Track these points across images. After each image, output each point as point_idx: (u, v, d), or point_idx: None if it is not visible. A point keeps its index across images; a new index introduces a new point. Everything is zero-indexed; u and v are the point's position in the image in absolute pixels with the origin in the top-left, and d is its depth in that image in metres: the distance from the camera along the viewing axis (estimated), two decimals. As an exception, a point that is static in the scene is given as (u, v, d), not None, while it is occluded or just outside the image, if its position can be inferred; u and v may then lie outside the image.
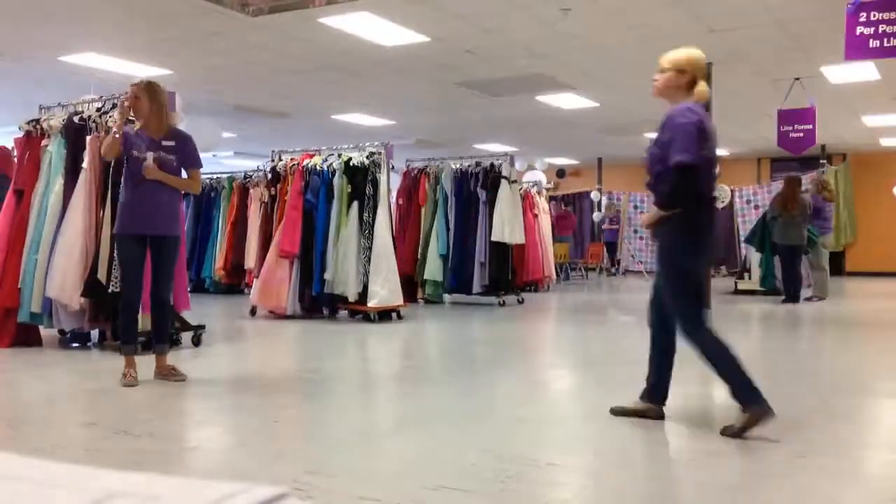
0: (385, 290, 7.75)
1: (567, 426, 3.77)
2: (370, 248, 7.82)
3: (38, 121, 6.36)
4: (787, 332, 7.43)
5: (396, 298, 7.90)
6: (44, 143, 6.21)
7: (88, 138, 5.95)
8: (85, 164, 5.86)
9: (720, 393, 4.73)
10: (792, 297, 10.09)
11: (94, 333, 6.30)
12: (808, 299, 10.37)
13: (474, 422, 3.73)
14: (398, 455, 3.21)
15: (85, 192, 5.84)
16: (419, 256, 9.72)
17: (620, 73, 9.83)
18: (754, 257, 11.93)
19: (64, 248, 5.77)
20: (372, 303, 7.71)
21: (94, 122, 6.07)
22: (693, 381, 5.04)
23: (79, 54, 8.64)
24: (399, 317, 8.04)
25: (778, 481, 2.76)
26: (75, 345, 6.21)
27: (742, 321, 8.44)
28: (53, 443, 3.35)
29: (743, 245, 13.64)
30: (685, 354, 3.62)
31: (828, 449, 3.20)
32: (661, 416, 3.65)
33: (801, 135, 10.22)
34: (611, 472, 2.93)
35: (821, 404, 4.09)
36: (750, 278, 11.99)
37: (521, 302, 10.13)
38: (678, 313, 3.52)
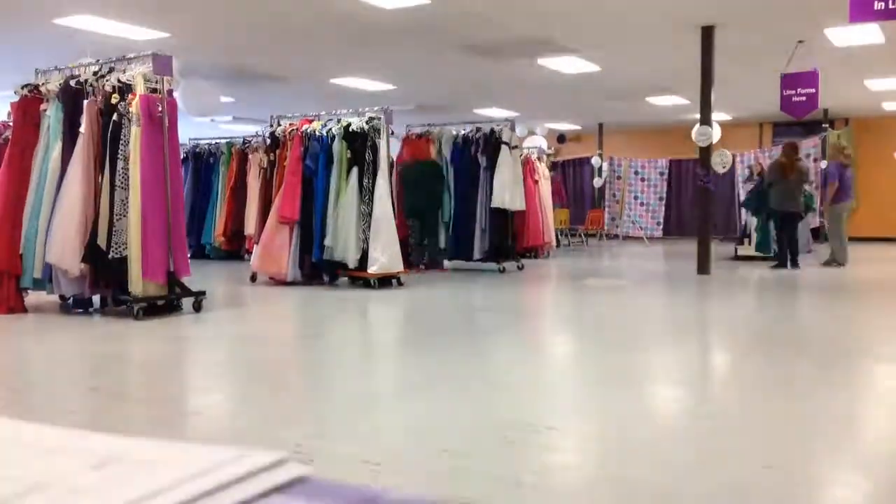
0: (385, 256, 7.75)
1: (567, 391, 3.79)
2: (370, 215, 7.80)
3: (34, 85, 6.30)
4: (786, 298, 7.44)
5: (396, 265, 7.89)
6: (42, 107, 6.17)
7: (85, 102, 5.90)
8: (83, 129, 5.82)
9: (719, 360, 4.76)
10: (793, 262, 10.10)
11: (96, 299, 6.32)
12: (827, 264, 10.51)
13: (474, 387, 3.75)
14: (399, 420, 3.23)
15: (83, 158, 5.82)
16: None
17: (622, 36, 9.72)
18: (754, 223, 11.93)
19: (63, 214, 5.76)
20: (372, 269, 7.71)
21: (90, 85, 6.02)
22: (692, 350, 5.07)
23: (74, 17, 8.53)
24: (399, 283, 8.05)
25: (776, 445, 2.78)
26: (77, 311, 6.23)
27: (742, 286, 8.46)
28: (55, 408, 3.37)
29: (743, 210, 13.62)
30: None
31: (826, 413, 3.22)
32: None
33: (804, 98, 10.13)
34: (611, 437, 2.96)
35: (819, 369, 4.11)
36: (750, 244, 11.99)
37: (520, 268, 10.13)
38: None
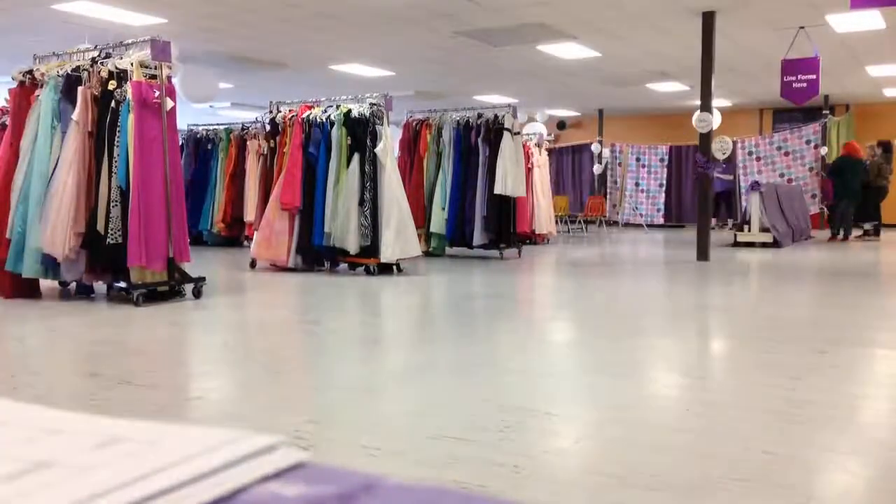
0: (399, 242, 7.71)
1: (566, 377, 3.80)
2: (373, 201, 7.79)
3: (31, 71, 6.28)
4: (785, 283, 7.45)
5: (412, 249, 7.87)
6: (37, 92, 6.14)
7: (80, 89, 5.86)
8: (74, 116, 5.78)
9: (718, 346, 4.76)
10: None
11: (98, 285, 6.32)
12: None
13: (474, 373, 3.76)
14: (399, 405, 3.24)
15: (74, 145, 5.77)
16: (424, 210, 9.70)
17: (622, 22, 9.68)
18: (754, 209, 11.92)
19: (54, 201, 5.73)
20: (385, 254, 7.68)
21: (84, 70, 5.99)
22: (690, 336, 5.08)
23: (72, 2, 8.49)
24: (399, 269, 8.05)
25: (774, 430, 2.80)
26: (80, 296, 6.24)
27: (741, 272, 8.46)
28: (55, 392, 3.38)
29: (744, 197, 13.62)
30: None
31: (824, 399, 3.23)
32: None
33: (805, 85, 10.10)
34: (609, 423, 2.97)
35: (818, 355, 4.12)
36: (749, 230, 12.00)
37: (519, 255, 10.15)
38: None
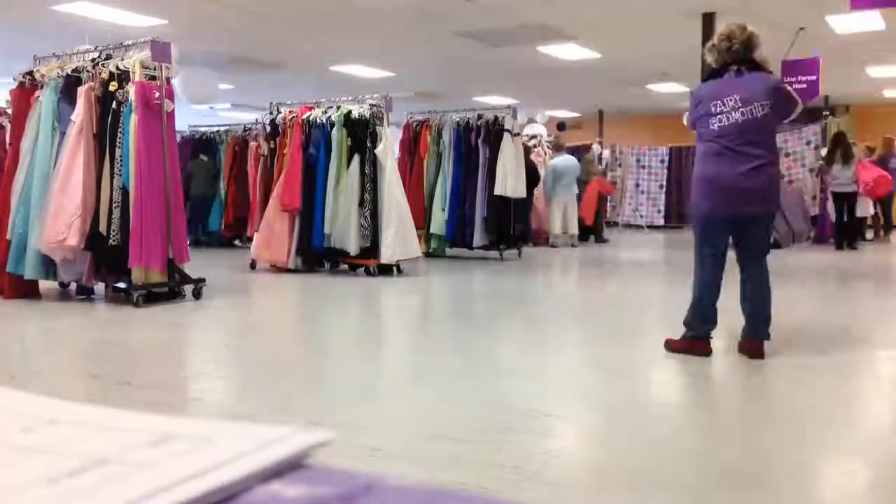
0: (399, 243, 7.69)
1: (566, 378, 3.80)
2: (373, 202, 7.78)
3: (32, 72, 6.28)
4: (784, 283, 7.44)
5: (412, 251, 7.86)
6: (37, 94, 6.13)
7: (80, 89, 5.85)
8: (73, 117, 5.76)
9: (717, 347, 4.76)
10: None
11: (98, 286, 6.32)
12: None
13: (475, 373, 3.76)
14: (399, 406, 3.24)
15: (75, 146, 5.76)
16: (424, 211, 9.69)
17: (622, 23, 9.69)
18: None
19: (54, 202, 5.72)
20: (385, 256, 7.66)
21: (87, 72, 5.98)
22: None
23: (72, 3, 8.49)
24: (399, 270, 8.05)
25: (777, 429, 2.79)
26: (80, 297, 6.24)
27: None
28: (55, 393, 3.36)
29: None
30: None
31: (827, 398, 3.23)
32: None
33: (805, 86, 10.09)
34: (609, 424, 2.97)
35: (816, 355, 4.11)
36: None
37: (519, 256, 10.14)
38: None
